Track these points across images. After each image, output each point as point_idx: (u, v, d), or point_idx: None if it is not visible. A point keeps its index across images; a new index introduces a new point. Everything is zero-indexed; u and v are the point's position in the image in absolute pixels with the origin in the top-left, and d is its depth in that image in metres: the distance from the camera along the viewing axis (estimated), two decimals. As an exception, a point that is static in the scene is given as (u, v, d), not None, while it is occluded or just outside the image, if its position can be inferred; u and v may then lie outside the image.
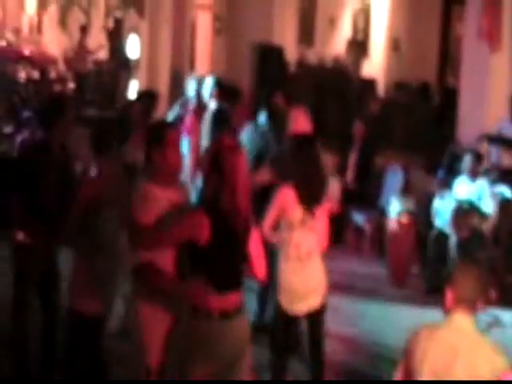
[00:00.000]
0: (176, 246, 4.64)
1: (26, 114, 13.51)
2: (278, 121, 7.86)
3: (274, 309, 6.36)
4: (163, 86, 15.97)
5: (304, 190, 6.02)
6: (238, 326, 4.60)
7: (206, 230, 4.50)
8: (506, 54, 11.14)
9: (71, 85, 18.20)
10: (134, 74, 17.60)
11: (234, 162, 4.62)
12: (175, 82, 16.17)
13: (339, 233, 9.91)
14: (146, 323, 4.78)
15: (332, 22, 16.89)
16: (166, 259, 4.65)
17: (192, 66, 17.18)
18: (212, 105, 10.43)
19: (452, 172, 10.10)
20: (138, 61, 17.48)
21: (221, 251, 4.54)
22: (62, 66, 20.01)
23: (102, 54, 19.28)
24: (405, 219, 9.87)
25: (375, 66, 15.98)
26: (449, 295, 3.97)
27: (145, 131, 5.64)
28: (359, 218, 11.18)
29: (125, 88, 17.59)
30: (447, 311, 3.98)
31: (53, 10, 23.31)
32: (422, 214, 9.98)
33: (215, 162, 4.63)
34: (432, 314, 6.71)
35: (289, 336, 6.32)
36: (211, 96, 10.60)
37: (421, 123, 13.28)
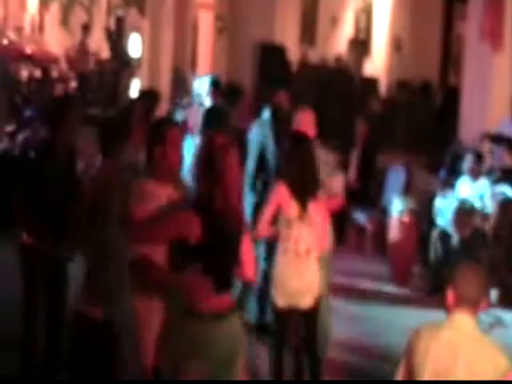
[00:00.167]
0: (166, 243, 4.57)
1: (28, 112, 13.53)
2: (280, 120, 7.86)
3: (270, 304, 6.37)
4: (165, 85, 15.96)
5: (298, 187, 6.06)
6: (231, 327, 4.54)
7: (196, 228, 4.42)
8: (508, 53, 11.14)
9: (73, 84, 18.21)
10: (136, 72, 17.60)
11: (226, 161, 4.56)
12: (177, 81, 16.18)
13: (341, 232, 9.90)
14: (141, 321, 4.78)
15: (334, 22, 16.89)
16: (158, 256, 4.64)
17: (194, 65, 17.18)
18: (208, 103, 10.45)
19: (454, 171, 10.10)
20: (139, 60, 17.48)
21: (213, 251, 4.47)
22: (63, 65, 20.02)
23: (104, 53, 19.28)
24: (407, 218, 9.87)
25: (377, 65, 15.98)
26: (450, 295, 3.96)
27: (146, 130, 5.63)
28: (361, 217, 11.18)
29: (126, 87, 17.59)
30: (449, 311, 3.97)
31: (55, 9, 23.32)
32: (423, 214, 9.97)
33: (208, 162, 4.58)
34: (434, 314, 6.70)
35: (285, 331, 6.29)
36: (207, 95, 10.61)
37: (423, 122, 13.29)
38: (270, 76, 14.71)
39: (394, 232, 9.97)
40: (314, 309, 6.17)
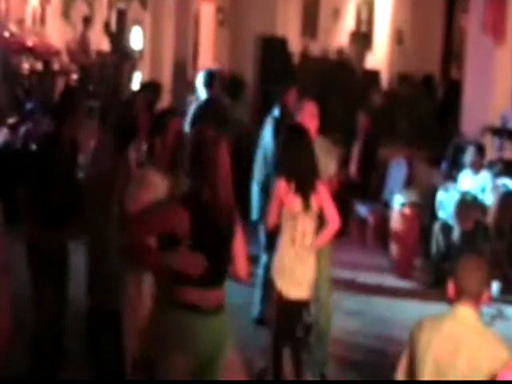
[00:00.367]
0: (155, 237, 4.50)
1: (30, 105, 13.54)
2: (289, 117, 7.85)
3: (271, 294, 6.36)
4: (166, 78, 15.95)
5: (299, 182, 6.06)
6: (220, 324, 4.51)
7: (184, 223, 4.36)
8: (510, 46, 11.13)
9: (74, 76, 18.20)
10: (138, 65, 17.59)
11: (216, 154, 4.49)
12: (178, 74, 16.16)
13: (343, 225, 9.89)
14: (131, 308, 4.80)
15: (336, 14, 16.87)
16: None
17: (195, 58, 17.17)
18: (203, 96, 10.49)
19: (456, 164, 10.10)
20: (141, 52, 17.47)
21: (203, 246, 4.40)
22: (65, 58, 20.00)
23: (106, 46, 19.26)
24: (408, 211, 9.87)
25: (379, 58, 15.97)
26: (452, 287, 3.97)
27: (148, 122, 5.63)
28: (363, 210, 11.19)
29: (128, 80, 17.58)
30: (451, 303, 3.98)
31: (56, 2, 23.29)
32: (425, 207, 9.97)
33: (196, 155, 4.52)
34: (436, 306, 6.71)
35: (285, 321, 6.29)
36: (203, 88, 10.63)
37: (424, 115, 13.28)
38: (271, 69, 14.70)
39: (395, 225, 9.98)
40: (306, 303, 6.22)
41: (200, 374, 4.52)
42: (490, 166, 9.96)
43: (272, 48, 15.06)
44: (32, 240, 6.06)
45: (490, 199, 9.41)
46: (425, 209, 9.97)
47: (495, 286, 8.91)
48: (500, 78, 11.12)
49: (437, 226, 9.60)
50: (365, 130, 11.68)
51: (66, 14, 22.57)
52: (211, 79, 10.39)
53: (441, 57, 15.47)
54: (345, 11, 16.83)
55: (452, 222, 9.42)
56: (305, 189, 6.07)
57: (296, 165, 6.10)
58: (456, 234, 9.34)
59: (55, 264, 6.04)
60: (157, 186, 4.81)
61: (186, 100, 11.73)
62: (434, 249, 9.60)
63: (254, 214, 7.83)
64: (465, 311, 3.93)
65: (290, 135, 6.30)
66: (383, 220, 10.62)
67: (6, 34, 21.71)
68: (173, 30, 16.37)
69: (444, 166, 10.50)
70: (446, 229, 9.47)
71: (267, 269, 6.66)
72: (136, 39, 17.85)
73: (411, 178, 11.03)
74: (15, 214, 6.12)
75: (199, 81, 10.67)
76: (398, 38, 15.85)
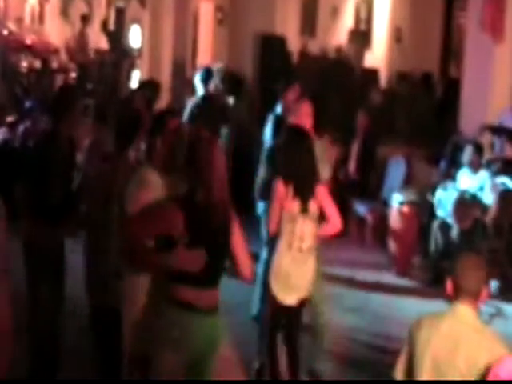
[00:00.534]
0: (151, 239, 4.49)
1: (28, 103, 13.52)
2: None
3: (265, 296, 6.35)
4: (165, 76, 15.94)
5: (298, 185, 6.03)
6: (213, 324, 4.51)
7: (179, 224, 4.36)
8: (508, 44, 11.13)
9: (73, 75, 18.18)
10: (136, 63, 17.58)
11: (209, 153, 4.49)
12: (177, 73, 16.16)
13: (341, 223, 9.89)
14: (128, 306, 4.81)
15: (334, 13, 16.86)
16: None
17: (194, 56, 17.16)
18: (200, 93, 10.52)
19: (454, 163, 10.11)
20: (139, 51, 17.46)
21: (197, 246, 4.39)
22: (63, 56, 19.98)
23: (104, 45, 19.26)
24: (407, 210, 9.87)
25: (378, 56, 15.96)
26: (450, 286, 3.97)
27: (147, 121, 5.63)
28: (361, 208, 11.19)
29: (127, 78, 17.57)
30: (451, 300, 3.98)
31: (55, 0, 23.28)
32: (424, 205, 9.98)
33: (191, 155, 4.51)
34: (434, 305, 6.72)
35: (278, 323, 6.28)
36: (199, 85, 10.65)
37: (423, 114, 13.27)
38: (270, 67, 14.69)
39: (394, 223, 9.98)
40: (303, 304, 6.20)
41: (192, 372, 4.52)
42: (489, 164, 9.96)
43: (271, 46, 15.05)
44: (29, 238, 6.06)
45: (488, 198, 9.41)
46: (423, 207, 9.98)
47: (494, 285, 8.91)
48: (499, 77, 11.12)
49: (435, 225, 9.60)
50: (364, 129, 11.68)
51: (64, 12, 22.54)
52: (208, 76, 10.41)
53: (439, 55, 15.46)
54: (344, 9, 16.82)
55: (451, 220, 9.42)
56: (303, 192, 6.04)
57: (295, 167, 6.07)
58: (455, 233, 9.34)
59: (52, 262, 6.03)
60: (156, 185, 4.81)
61: (185, 99, 11.73)
62: (432, 247, 9.60)
63: (260, 208, 7.82)
64: (464, 310, 3.94)
65: (291, 137, 6.27)
66: (382, 218, 10.62)
67: (5, 33, 21.68)
68: (172, 28, 16.36)
69: (443, 164, 10.50)
70: (445, 227, 9.47)
71: (267, 266, 6.66)
72: (135, 37, 17.85)
73: (410, 176, 11.03)
74: (13, 212, 6.12)
75: (197, 78, 10.71)
76: (397, 36, 15.84)
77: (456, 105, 11.69)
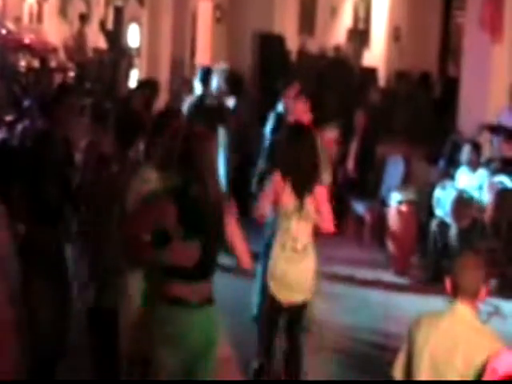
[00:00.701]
0: (148, 234, 4.52)
1: (27, 102, 13.50)
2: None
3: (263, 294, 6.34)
4: (164, 76, 15.93)
5: (294, 180, 6.00)
6: (209, 317, 4.52)
7: (171, 215, 4.39)
8: (507, 43, 11.13)
9: (71, 74, 18.19)
10: (135, 63, 17.58)
11: (203, 148, 4.52)
12: (176, 71, 16.15)
13: (340, 222, 9.92)
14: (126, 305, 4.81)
15: (333, 12, 16.87)
16: None
17: (192, 55, 17.16)
18: (198, 92, 10.53)
19: (453, 162, 10.11)
20: (138, 50, 17.46)
21: (191, 239, 4.42)
22: (62, 55, 20.00)
23: (103, 44, 19.26)
24: (405, 209, 9.87)
25: (376, 55, 15.96)
26: (449, 285, 3.98)
27: (146, 120, 5.62)
28: (360, 207, 11.18)
29: (125, 77, 17.57)
30: (451, 298, 3.98)
31: (53, -1, 23.31)
32: (422, 204, 9.98)
33: (186, 149, 4.53)
34: (432, 303, 6.71)
35: (276, 322, 6.26)
36: (198, 84, 10.66)
37: (422, 113, 13.27)
38: (268, 66, 14.69)
39: (393, 222, 9.98)
40: (304, 306, 6.17)
41: (193, 368, 4.52)
42: (488, 163, 9.97)
43: (269, 45, 15.04)
44: (26, 237, 6.05)
45: (487, 197, 9.41)
46: (422, 206, 9.98)
47: (492, 284, 8.91)
48: (497, 76, 11.11)
49: (434, 224, 9.61)
50: (362, 128, 11.68)
51: (62, 11, 22.58)
52: (207, 76, 10.41)
53: (438, 54, 15.46)
54: (342, 9, 16.83)
55: (449, 219, 9.42)
56: (300, 189, 6.01)
57: (294, 163, 6.04)
58: (453, 232, 9.34)
59: (49, 261, 6.02)
60: (156, 185, 4.81)
61: (184, 98, 11.74)
62: (430, 246, 9.60)
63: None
64: (462, 309, 3.94)
65: (293, 133, 6.24)
66: (380, 217, 10.62)
67: (3, 32, 21.71)
68: (170, 27, 16.36)
69: (441, 163, 10.50)
70: (443, 226, 9.47)
71: (265, 266, 6.65)
72: (133, 36, 17.85)
73: (408, 175, 11.03)
74: (10, 211, 6.14)
75: (196, 77, 10.73)
76: (395, 35, 15.84)
77: (454, 104, 11.69)
